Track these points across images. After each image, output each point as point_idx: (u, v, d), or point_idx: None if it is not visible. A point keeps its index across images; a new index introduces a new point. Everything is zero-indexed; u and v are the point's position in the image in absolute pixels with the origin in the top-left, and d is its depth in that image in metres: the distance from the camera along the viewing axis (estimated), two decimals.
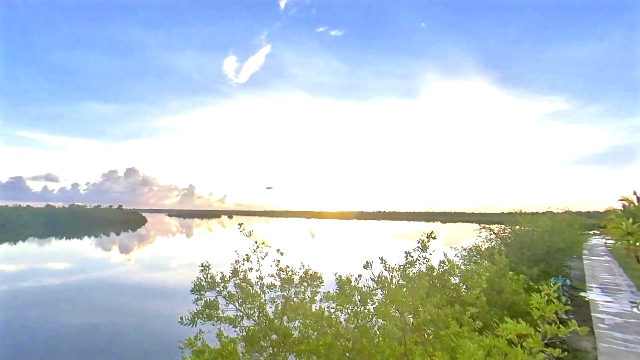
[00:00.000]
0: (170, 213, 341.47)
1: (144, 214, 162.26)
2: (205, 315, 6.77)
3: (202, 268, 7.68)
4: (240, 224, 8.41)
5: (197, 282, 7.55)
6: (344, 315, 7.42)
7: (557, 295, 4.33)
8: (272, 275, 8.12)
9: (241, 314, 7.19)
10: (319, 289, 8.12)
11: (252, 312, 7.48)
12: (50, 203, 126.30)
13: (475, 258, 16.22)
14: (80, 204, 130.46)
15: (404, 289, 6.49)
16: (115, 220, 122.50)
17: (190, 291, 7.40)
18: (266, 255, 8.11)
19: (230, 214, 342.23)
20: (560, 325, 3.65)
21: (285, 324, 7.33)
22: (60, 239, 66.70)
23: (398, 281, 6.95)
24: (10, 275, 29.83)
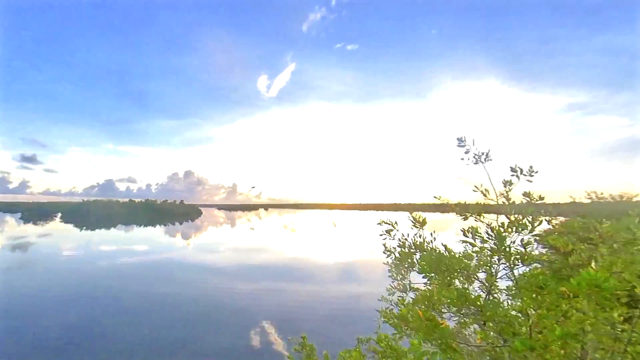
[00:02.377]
0: (219, 207, 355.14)
1: (199, 208, 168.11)
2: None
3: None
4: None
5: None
6: None
7: None
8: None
9: None
10: None
11: None
12: (132, 199, 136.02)
13: None
14: (152, 199, 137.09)
15: None
16: (179, 212, 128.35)
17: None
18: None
19: (266, 207, 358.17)
20: None
21: None
22: (140, 226, 71.17)
23: None
24: (105, 254, 32.71)
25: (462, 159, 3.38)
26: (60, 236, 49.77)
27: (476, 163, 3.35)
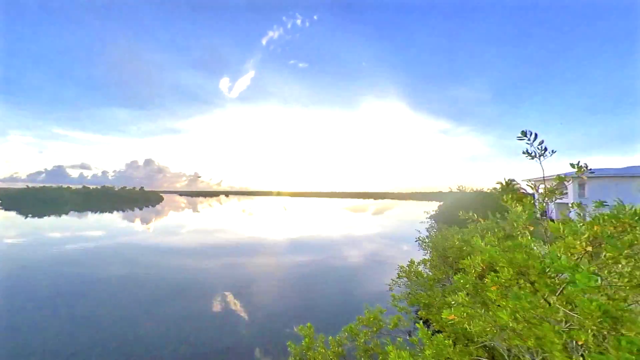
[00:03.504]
0: (181, 193, 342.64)
1: (160, 194, 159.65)
2: None
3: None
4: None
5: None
6: None
7: None
8: None
9: None
10: None
11: None
12: (86, 185, 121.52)
13: None
14: (109, 185, 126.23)
15: None
16: (139, 198, 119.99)
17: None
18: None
19: (226, 193, 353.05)
20: None
21: None
22: (95, 212, 64.68)
23: None
24: (59, 239, 29.71)
25: (524, 152, 3.58)
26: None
27: (532, 158, 3.56)
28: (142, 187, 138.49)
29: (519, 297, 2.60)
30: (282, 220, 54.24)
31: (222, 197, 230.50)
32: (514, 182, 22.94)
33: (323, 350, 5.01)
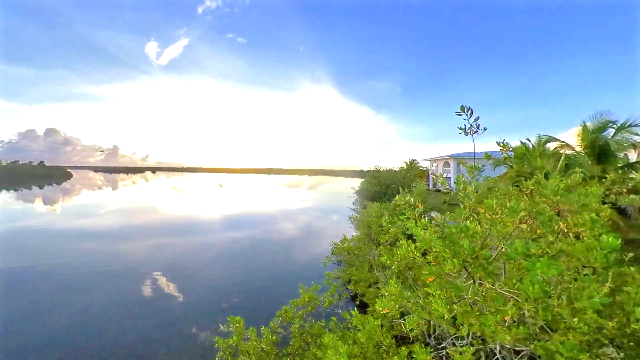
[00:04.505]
0: (97, 169, 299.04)
1: (68, 170, 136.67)
2: None
3: None
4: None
5: None
6: None
7: None
8: None
9: None
10: None
11: None
12: None
13: None
14: None
15: None
16: (37, 174, 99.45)
17: None
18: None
19: (153, 169, 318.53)
20: None
21: None
22: None
23: None
24: None
25: (460, 128, 3.69)
26: None
27: (467, 135, 3.68)
28: (41, 162, 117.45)
29: (460, 288, 2.47)
30: (216, 197, 51.56)
31: (149, 173, 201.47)
32: (416, 162, 26.25)
33: (255, 343, 4.67)
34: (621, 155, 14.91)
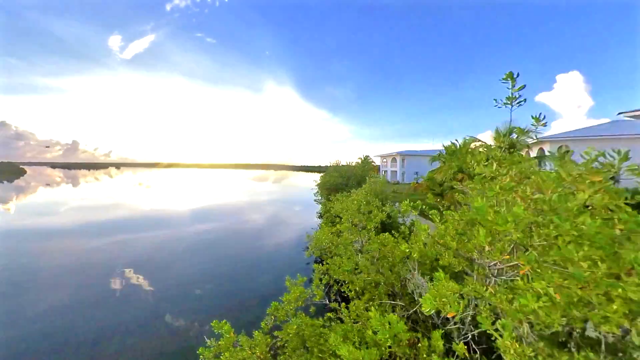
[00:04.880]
0: (54, 165, 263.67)
1: (20, 167, 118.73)
2: None
3: None
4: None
5: None
6: None
7: None
8: None
9: None
10: None
11: None
12: None
13: None
14: None
15: None
16: None
17: None
18: None
19: (117, 165, 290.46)
20: None
21: None
22: None
23: None
24: None
25: (505, 99, 3.06)
26: None
27: (507, 105, 3.05)
28: None
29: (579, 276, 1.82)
30: (187, 192, 48.11)
31: (113, 169, 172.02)
32: (369, 158, 27.92)
33: (249, 352, 3.52)
34: (523, 152, 17.75)
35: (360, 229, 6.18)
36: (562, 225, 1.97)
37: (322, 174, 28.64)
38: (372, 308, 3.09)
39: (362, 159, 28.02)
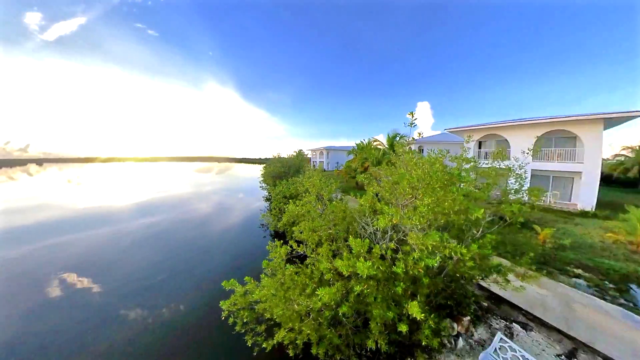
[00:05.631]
0: None
1: None
2: None
3: None
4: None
5: None
6: None
7: None
8: None
9: None
10: None
11: None
12: None
13: None
14: None
15: None
16: None
17: None
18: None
19: (39, 161, 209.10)
20: None
21: None
22: None
23: None
24: None
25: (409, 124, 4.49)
26: None
27: (411, 125, 4.46)
28: None
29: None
30: (125, 186, 37.49)
31: (32, 166, 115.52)
32: (302, 151, 28.92)
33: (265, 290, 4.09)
34: (406, 148, 22.15)
35: (320, 199, 6.67)
36: (424, 179, 3.83)
37: (264, 165, 28.26)
38: (324, 248, 4.24)
39: (297, 152, 28.82)
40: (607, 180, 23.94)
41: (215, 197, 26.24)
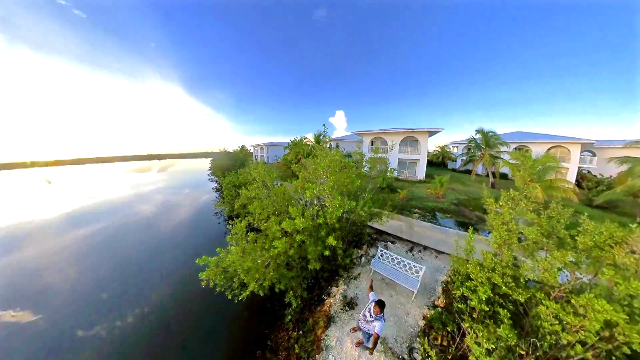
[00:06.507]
0: None
1: None
2: None
3: None
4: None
5: None
6: None
7: None
8: None
9: None
10: None
11: None
12: None
13: None
14: None
15: None
16: None
17: None
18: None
19: None
20: None
21: None
22: None
23: None
24: None
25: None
26: None
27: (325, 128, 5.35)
28: None
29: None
30: (48, 196, 23.83)
31: None
32: (245, 146, 26.99)
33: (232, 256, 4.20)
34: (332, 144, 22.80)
35: (265, 184, 6.73)
36: (329, 166, 4.66)
37: (211, 159, 24.95)
38: (272, 218, 4.76)
39: (240, 147, 26.67)
40: (429, 163, 33.48)
41: (159, 196, 20.24)
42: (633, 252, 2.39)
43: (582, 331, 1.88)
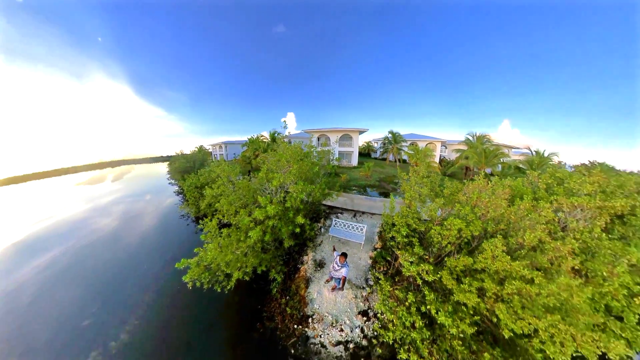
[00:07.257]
0: None
1: None
2: None
3: None
4: None
5: None
6: None
7: None
8: None
9: None
10: None
11: None
12: None
13: None
14: None
15: None
16: None
17: None
18: None
19: None
20: None
21: None
22: None
23: None
24: None
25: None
26: None
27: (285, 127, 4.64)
28: None
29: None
30: None
31: None
32: (203, 147, 22.56)
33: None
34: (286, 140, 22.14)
35: (230, 180, 6.02)
36: (292, 156, 4.53)
37: (168, 162, 19.34)
38: (241, 211, 4.25)
39: (198, 148, 21.83)
40: (360, 154, 38.17)
41: (120, 207, 14.28)
42: (465, 195, 4.04)
43: (449, 237, 3.09)
